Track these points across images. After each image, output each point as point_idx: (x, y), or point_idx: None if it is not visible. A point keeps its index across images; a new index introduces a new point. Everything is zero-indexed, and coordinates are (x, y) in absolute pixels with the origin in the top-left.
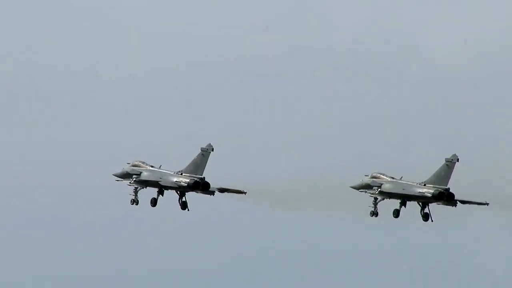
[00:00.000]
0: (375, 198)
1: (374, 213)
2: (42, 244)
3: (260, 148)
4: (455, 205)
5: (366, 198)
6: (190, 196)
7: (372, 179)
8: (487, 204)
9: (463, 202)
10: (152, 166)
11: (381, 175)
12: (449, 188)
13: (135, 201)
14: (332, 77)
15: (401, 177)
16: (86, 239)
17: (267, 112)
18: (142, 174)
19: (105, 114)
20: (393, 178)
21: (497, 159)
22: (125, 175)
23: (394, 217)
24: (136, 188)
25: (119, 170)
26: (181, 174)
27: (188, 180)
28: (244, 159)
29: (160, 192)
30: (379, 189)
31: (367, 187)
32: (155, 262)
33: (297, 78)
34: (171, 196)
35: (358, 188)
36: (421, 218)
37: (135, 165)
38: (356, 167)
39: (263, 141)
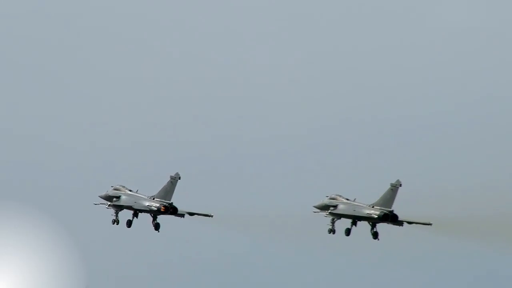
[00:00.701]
0: (332, 218)
1: (332, 231)
2: None
3: (228, 176)
4: (402, 225)
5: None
6: (164, 218)
7: (330, 200)
8: (430, 224)
9: (409, 222)
10: (130, 190)
11: (338, 197)
12: (393, 210)
13: (116, 221)
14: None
15: (355, 199)
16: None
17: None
18: (120, 198)
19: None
20: (348, 200)
21: (438, 185)
22: (108, 197)
23: (346, 235)
24: (116, 210)
25: (103, 192)
26: (153, 199)
27: (158, 205)
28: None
29: (135, 215)
30: (329, 210)
31: (326, 207)
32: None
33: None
34: (147, 217)
35: (319, 207)
36: (371, 236)
37: (116, 189)
38: (317, 189)
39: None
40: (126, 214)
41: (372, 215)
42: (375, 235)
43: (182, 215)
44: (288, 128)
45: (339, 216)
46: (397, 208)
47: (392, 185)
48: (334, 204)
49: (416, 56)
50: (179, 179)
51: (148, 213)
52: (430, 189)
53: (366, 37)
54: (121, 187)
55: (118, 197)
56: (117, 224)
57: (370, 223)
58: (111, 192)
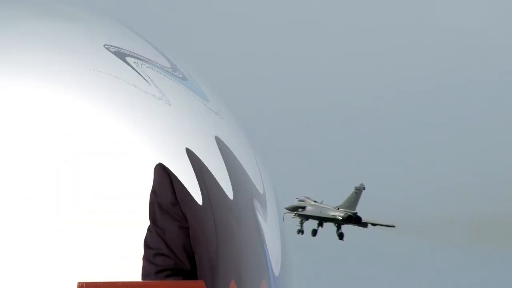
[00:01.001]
0: (301, 219)
1: (300, 231)
2: None
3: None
4: (366, 226)
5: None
6: None
7: (299, 202)
8: (394, 226)
9: (373, 224)
10: None
11: (307, 199)
12: (356, 212)
13: None
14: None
15: (322, 201)
16: None
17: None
18: None
19: None
20: (316, 202)
21: (401, 188)
22: None
23: (312, 235)
24: None
25: None
26: None
27: None
28: None
29: None
30: (297, 212)
31: (295, 208)
32: None
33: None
34: None
35: (289, 209)
36: (337, 237)
37: None
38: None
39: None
40: None
41: (337, 216)
42: (340, 236)
43: None
44: (266, 129)
45: (306, 217)
46: (362, 210)
47: (356, 188)
48: (303, 206)
49: (394, 58)
50: None
51: None
52: (393, 192)
53: (364, 38)
54: None
55: None
56: None
57: (336, 224)
58: None
